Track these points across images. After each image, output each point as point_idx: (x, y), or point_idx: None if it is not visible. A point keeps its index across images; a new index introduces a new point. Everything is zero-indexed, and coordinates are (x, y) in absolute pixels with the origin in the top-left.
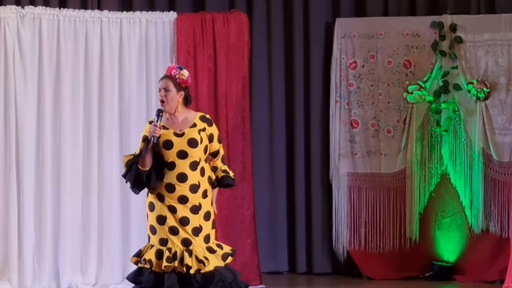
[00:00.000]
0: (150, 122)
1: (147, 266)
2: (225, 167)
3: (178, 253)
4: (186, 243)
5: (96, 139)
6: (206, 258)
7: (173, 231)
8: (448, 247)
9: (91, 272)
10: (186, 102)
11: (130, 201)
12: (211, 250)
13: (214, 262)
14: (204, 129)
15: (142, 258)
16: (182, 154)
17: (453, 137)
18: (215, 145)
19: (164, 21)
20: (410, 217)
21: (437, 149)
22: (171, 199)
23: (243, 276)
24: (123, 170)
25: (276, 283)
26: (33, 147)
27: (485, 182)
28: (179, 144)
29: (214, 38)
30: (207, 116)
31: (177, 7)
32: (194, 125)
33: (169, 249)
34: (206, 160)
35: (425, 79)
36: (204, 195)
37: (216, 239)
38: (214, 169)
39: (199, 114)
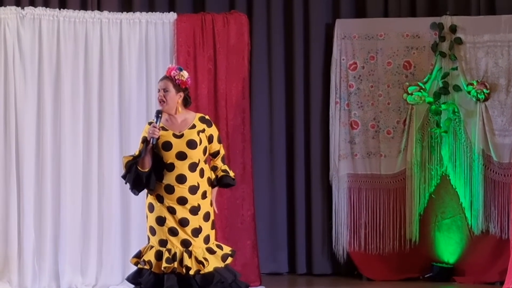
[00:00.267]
0: (150, 123)
1: (147, 267)
2: (225, 167)
3: (178, 254)
4: (185, 244)
5: (96, 140)
6: (206, 259)
7: (173, 232)
8: (448, 248)
9: (91, 272)
10: (186, 103)
11: (130, 202)
12: (210, 251)
13: (213, 263)
14: (203, 130)
15: (142, 259)
16: (181, 156)
17: (453, 138)
18: (215, 146)
19: (164, 22)
20: (410, 219)
21: (437, 150)
22: (170, 200)
23: (243, 277)
24: (123, 171)
25: (276, 284)
26: (33, 147)
27: (485, 183)
28: (178, 145)
29: (214, 39)
30: (207, 117)
31: (177, 8)
32: (193, 126)
33: (169, 250)
34: (205, 161)
35: (425, 80)
36: (204, 196)
37: (216, 240)
38: (214, 168)
39: (199, 115)
